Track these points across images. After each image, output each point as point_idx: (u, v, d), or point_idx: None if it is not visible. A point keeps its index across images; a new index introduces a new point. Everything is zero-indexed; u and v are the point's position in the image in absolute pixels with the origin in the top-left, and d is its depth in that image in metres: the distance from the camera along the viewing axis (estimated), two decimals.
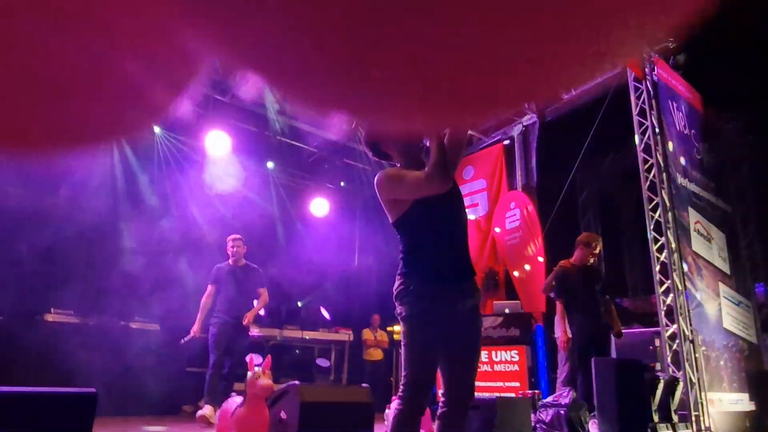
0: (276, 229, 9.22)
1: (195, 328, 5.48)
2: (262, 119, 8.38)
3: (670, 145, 6.67)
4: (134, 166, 7.70)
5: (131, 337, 6.17)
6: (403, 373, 2.09)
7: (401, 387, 2.09)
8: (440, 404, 2.14)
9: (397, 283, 2.20)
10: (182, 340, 5.53)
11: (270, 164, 9.33)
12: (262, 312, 6.05)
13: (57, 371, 5.03)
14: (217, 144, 7.90)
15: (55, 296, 5.91)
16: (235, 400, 3.14)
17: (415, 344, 2.08)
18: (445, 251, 2.18)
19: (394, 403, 2.12)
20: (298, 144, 9.00)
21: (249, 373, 2.92)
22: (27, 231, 6.36)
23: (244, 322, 5.27)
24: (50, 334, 5.48)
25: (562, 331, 4.85)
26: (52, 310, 5.76)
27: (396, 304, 2.19)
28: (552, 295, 5.15)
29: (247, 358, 3.06)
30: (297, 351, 8.03)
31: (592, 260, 5.09)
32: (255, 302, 5.63)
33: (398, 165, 2.38)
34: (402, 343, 2.14)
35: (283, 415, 3.24)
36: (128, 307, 6.41)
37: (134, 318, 6.38)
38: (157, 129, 8.04)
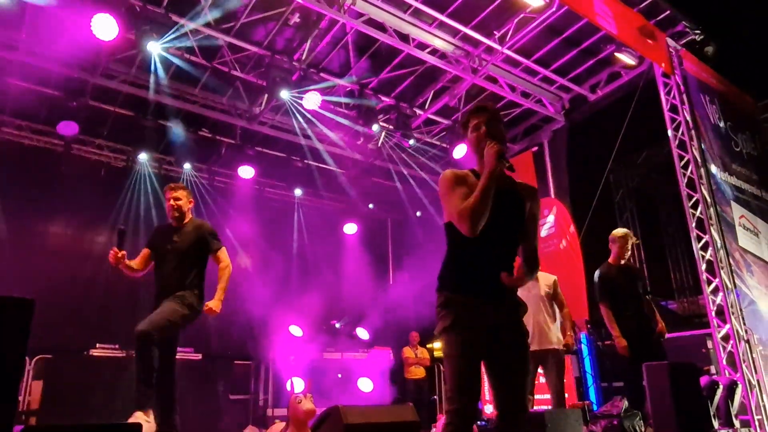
0: (306, 253, 9.30)
1: None
2: (288, 144, 8.51)
3: (706, 140, 6.46)
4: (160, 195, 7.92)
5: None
6: (447, 386, 2.03)
7: (446, 401, 2.03)
8: (495, 419, 2.08)
9: (436, 301, 2.19)
10: None
11: (297, 191, 9.45)
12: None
13: (104, 404, 5.10)
14: (245, 173, 8.10)
15: (99, 331, 6.03)
16: (278, 425, 3.12)
17: (453, 356, 2.04)
18: (486, 267, 2.12)
19: (441, 421, 2.07)
20: (325, 166, 9.07)
21: (291, 398, 2.91)
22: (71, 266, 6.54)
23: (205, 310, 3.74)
24: (94, 368, 5.57)
25: (616, 335, 4.62)
26: (97, 345, 5.88)
27: (437, 320, 2.16)
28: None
29: (288, 385, 3.04)
30: (338, 373, 7.99)
31: (627, 255, 4.90)
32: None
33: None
34: (444, 353, 2.09)
35: None
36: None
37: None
38: (187, 166, 8.26)
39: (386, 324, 8.86)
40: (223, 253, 3.94)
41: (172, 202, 3.91)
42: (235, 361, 7.13)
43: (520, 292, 2.26)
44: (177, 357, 6.31)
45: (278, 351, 7.38)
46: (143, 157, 8.01)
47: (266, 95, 7.24)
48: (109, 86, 6.84)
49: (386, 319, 8.88)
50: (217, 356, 6.70)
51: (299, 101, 6.96)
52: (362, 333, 8.15)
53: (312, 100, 6.82)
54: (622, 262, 4.83)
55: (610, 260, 4.89)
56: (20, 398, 5.24)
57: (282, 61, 6.60)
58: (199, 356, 6.51)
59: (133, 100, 7.11)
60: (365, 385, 7.47)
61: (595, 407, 5.50)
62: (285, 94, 6.72)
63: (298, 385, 3.01)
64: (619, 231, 4.97)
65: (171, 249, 3.82)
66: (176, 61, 6.46)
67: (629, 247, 4.89)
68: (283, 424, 3.04)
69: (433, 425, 3.57)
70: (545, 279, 4.87)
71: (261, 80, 6.92)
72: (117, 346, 5.86)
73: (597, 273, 4.89)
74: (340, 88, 7.41)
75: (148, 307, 3.80)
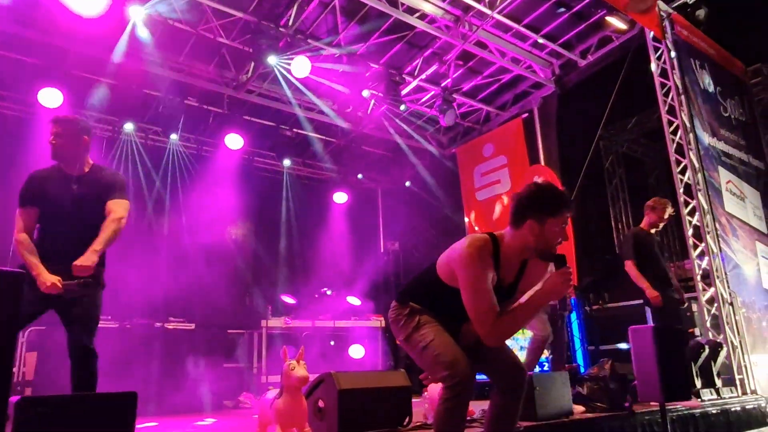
0: (297, 223, 9.30)
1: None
2: (276, 113, 8.41)
3: (695, 105, 6.46)
4: (150, 168, 7.85)
5: (168, 337, 6.28)
6: (438, 374, 2.01)
7: (441, 382, 2.01)
8: (495, 385, 2.12)
9: (396, 312, 2.19)
10: None
11: (287, 161, 9.38)
12: None
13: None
14: (234, 143, 8.00)
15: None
16: (272, 392, 3.17)
17: (431, 339, 2.04)
18: (459, 315, 2.07)
19: (436, 392, 2.09)
20: (314, 135, 9.00)
21: (284, 365, 2.95)
22: None
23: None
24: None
25: (647, 287, 4.79)
26: None
27: (394, 329, 2.19)
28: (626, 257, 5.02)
29: (281, 353, 3.07)
30: (331, 342, 8.10)
31: (661, 225, 5.02)
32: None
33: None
34: (419, 351, 2.07)
35: (321, 404, 3.27)
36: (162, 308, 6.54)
37: (169, 319, 6.49)
38: (174, 136, 8.14)
39: (378, 291, 8.95)
40: (118, 205, 3.08)
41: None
42: (229, 330, 7.20)
43: None
44: (171, 327, 6.42)
45: (271, 319, 7.46)
46: (129, 127, 7.89)
47: (253, 62, 7.11)
48: (91, 54, 6.68)
49: (378, 287, 8.97)
50: (210, 325, 6.75)
51: (287, 68, 6.84)
52: (353, 300, 8.22)
53: (301, 66, 6.70)
54: (653, 230, 5.05)
55: (642, 225, 5.10)
56: (15, 370, 5.26)
57: (269, 27, 6.46)
58: (192, 326, 6.57)
59: (118, 69, 6.94)
60: (357, 352, 7.59)
61: (582, 370, 5.63)
62: (272, 60, 6.59)
63: (291, 352, 3.05)
64: (656, 202, 5.12)
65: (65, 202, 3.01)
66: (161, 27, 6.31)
67: (666, 217, 5.04)
68: (277, 390, 3.09)
69: (424, 390, 3.64)
70: None
71: (247, 47, 6.79)
72: (109, 317, 5.89)
73: (631, 233, 5.14)
74: (328, 55, 7.28)
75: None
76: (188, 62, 7.26)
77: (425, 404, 3.70)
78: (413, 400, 3.52)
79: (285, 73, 6.98)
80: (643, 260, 4.91)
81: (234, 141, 8.00)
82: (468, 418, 3.30)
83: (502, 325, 1.94)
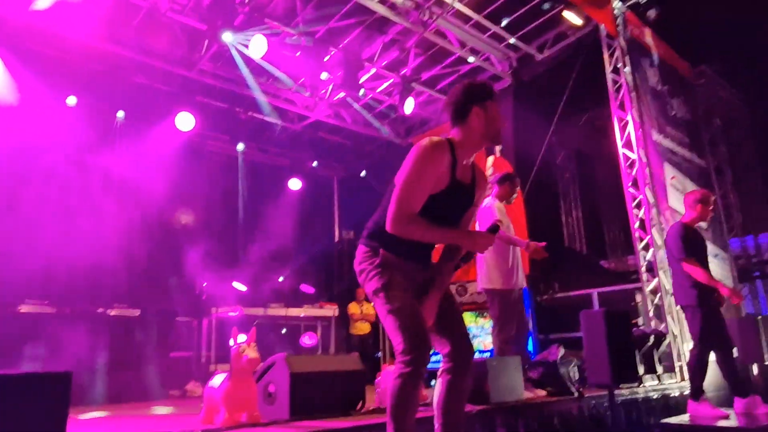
0: (249, 208, 9.09)
1: None
2: (231, 96, 8.15)
3: (645, 102, 6.67)
4: (95, 145, 7.46)
5: (112, 324, 6.01)
6: (397, 340, 1.97)
7: (397, 355, 1.97)
8: (442, 361, 2.09)
9: (360, 258, 2.13)
10: None
11: (240, 146, 9.14)
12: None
13: (35, 361, 4.88)
14: (185, 124, 7.70)
15: (30, 286, 5.72)
16: (220, 376, 3.05)
17: (397, 309, 1.99)
18: (417, 244, 2.08)
19: (392, 369, 2.03)
20: (270, 120, 8.79)
21: (233, 348, 2.84)
22: None
23: None
24: (26, 325, 5.30)
25: (720, 285, 4.17)
26: (26, 300, 5.57)
27: (361, 280, 2.12)
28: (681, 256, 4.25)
29: (231, 341, 2.96)
30: (283, 329, 7.97)
31: (708, 218, 4.55)
32: None
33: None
34: (385, 311, 2.02)
35: (271, 388, 3.18)
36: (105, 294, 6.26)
37: (113, 305, 6.21)
38: (120, 114, 7.77)
39: (331, 280, 8.88)
40: None
41: None
42: (177, 318, 6.96)
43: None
44: (115, 313, 6.13)
45: (222, 307, 7.26)
46: (71, 101, 7.45)
47: (207, 41, 6.86)
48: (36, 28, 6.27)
49: (332, 275, 8.89)
50: (157, 312, 6.49)
51: (243, 48, 6.62)
52: (307, 288, 8.12)
53: (257, 46, 6.49)
54: (698, 224, 4.49)
55: (687, 221, 4.44)
56: None
57: (224, 2, 6.23)
58: (138, 312, 6.30)
59: (61, 43, 6.56)
60: (309, 339, 7.49)
61: (532, 357, 5.73)
62: (228, 37, 6.36)
63: (241, 338, 2.95)
64: (706, 194, 4.50)
65: None
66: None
67: (711, 210, 4.47)
68: (225, 375, 2.98)
69: (378, 374, 3.60)
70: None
71: (201, 24, 6.53)
72: (46, 302, 5.59)
73: (680, 229, 4.37)
74: (285, 35, 7.09)
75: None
76: (137, 38, 6.92)
77: (377, 389, 3.67)
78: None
79: (241, 52, 6.76)
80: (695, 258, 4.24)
81: (185, 121, 7.70)
82: (422, 402, 3.29)
83: (412, 225, 1.98)
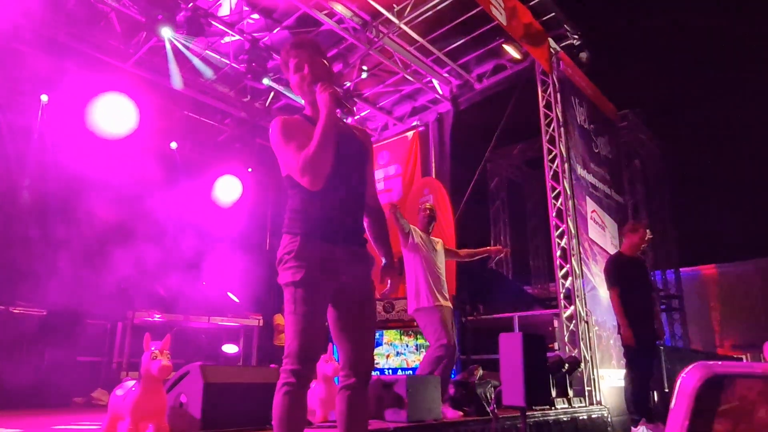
0: (180, 210, 8.74)
1: None
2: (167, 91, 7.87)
3: (572, 138, 7.05)
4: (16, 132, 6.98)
5: (13, 323, 5.59)
6: (289, 344, 1.88)
7: (285, 360, 1.88)
8: (342, 376, 2.04)
9: (280, 247, 2.03)
10: None
11: (173, 144, 8.82)
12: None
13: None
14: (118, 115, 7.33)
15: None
16: (128, 383, 2.89)
17: (299, 313, 1.90)
18: (335, 213, 2.02)
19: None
20: (207, 121, 8.56)
21: (145, 354, 2.70)
22: None
23: None
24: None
25: (624, 324, 4.31)
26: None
27: (279, 269, 2.01)
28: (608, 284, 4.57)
29: (143, 344, 2.82)
30: (203, 337, 7.69)
31: (644, 247, 4.80)
32: None
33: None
34: (289, 310, 1.92)
35: (183, 398, 3.05)
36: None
37: (15, 302, 5.78)
38: (44, 97, 7.31)
39: (259, 289, 8.67)
40: None
41: None
42: (88, 320, 6.56)
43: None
44: (18, 311, 5.70)
45: (138, 311, 6.90)
46: None
47: (144, 33, 6.62)
48: None
49: (260, 285, 8.69)
50: (65, 313, 6.09)
51: (182, 45, 6.45)
52: (232, 297, 7.88)
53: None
54: (634, 254, 4.71)
55: (622, 249, 4.73)
56: None
57: None
58: (44, 312, 5.89)
59: None
60: (231, 349, 7.27)
61: (452, 375, 5.82)
62: (167, 32, 6.17)
63: (154, 343, 2.81)
64: (637, 224, 4.79)
65: None
66: None
67: (646, 240, 4.74)
68: (133, 382, 2.83)
69: None
70: (437, 240, 4.76)
71: (140, 15, 6.30)
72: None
73: (613, 257, 4.67)
74: (228, 39, 6.97)
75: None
76: (68, 23, 6.57)
77: None
78: None
79: (180, 50, 6.57)
80: (626, 288, 4.46)
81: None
82: (328, 421, 3.25)
83: (308, 160, 1.91)
